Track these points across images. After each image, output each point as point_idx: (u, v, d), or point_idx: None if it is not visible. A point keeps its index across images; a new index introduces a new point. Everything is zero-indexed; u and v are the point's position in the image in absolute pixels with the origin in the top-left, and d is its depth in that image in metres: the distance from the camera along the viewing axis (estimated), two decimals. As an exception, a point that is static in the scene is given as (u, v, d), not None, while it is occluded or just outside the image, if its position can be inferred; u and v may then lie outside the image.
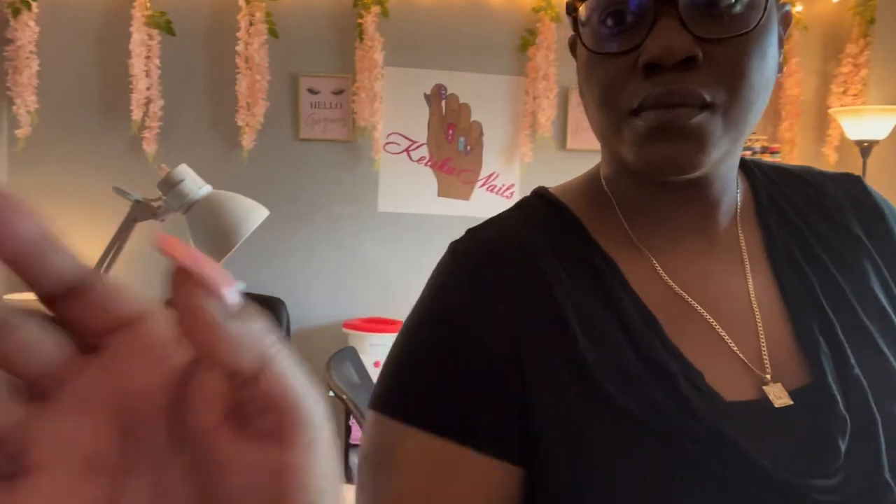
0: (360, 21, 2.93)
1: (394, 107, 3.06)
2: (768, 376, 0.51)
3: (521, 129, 3.10)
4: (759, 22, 0.47)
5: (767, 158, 3.22)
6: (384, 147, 3.07)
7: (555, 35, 3.01)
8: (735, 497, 0.46)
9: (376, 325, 2.97)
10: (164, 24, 2.87)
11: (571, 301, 0.52)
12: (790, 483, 0.46)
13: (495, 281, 0.53)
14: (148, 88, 2.84)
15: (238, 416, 0.21)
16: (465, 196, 3.13)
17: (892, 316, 0.55)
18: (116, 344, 0.21)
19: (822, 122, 3.28)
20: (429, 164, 3.11)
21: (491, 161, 3.14)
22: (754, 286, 0.55)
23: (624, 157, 0.52)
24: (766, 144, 3.21)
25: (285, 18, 2.96)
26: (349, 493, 1.54)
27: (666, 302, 0.53)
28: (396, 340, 0.55)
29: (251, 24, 2.85)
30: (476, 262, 0.55)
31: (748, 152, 3.16)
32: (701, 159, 0.48)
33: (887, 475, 0.47)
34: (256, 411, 0.21)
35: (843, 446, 0.48)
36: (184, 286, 0.19)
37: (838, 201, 0.61)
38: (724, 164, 0.53)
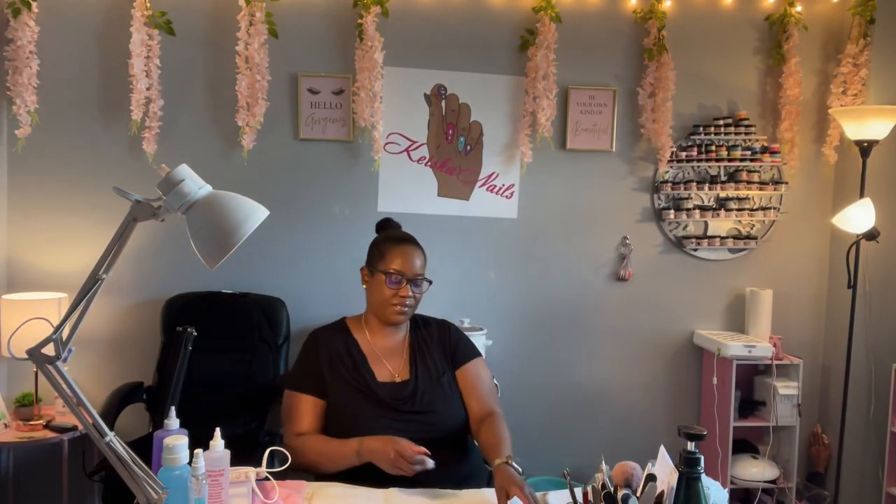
0: (360, 21, 2.93)
1: (394, 107, 3.06)
2: (397, 375, 1.89)
3: (520, 129, 3.10)
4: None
5: (767, 158, 3.23)
6: (384, 147, 3.07)
7: (555, 35, 3.01)
8: (378, 411, 1.81)
9: (376, 324, 2.97)
10: (164, 24, 2.87)
11: (339, 351, 1.90)
12: (393, 405, 1.82)
13: (323, 341, 1.93)
14: (148, 88, 2.85)
15: None
16: (465, 196, 3.13)
17: (446, 371, 1.94)
18: None
19: (821, 122, 3.28)
20: (429, 164, 3.12)
21: (491, 161, 3.14)
22: (404, 352, 1.94)
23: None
24: (765, 144, 3.21)
25: (285, 18, 2.96)
26: (349, 491, 1.55)
27: (371, 354, 1.91)
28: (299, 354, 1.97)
29: (251, 24, 2.86)
30: (318, 334, 1.96)
31: (748, 152, 3.16)
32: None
33: (421, 405, 1.84)
34: None
35: (407, 393, 1.85)
36: None
37: (436, 332, 2.00)
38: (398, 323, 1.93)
